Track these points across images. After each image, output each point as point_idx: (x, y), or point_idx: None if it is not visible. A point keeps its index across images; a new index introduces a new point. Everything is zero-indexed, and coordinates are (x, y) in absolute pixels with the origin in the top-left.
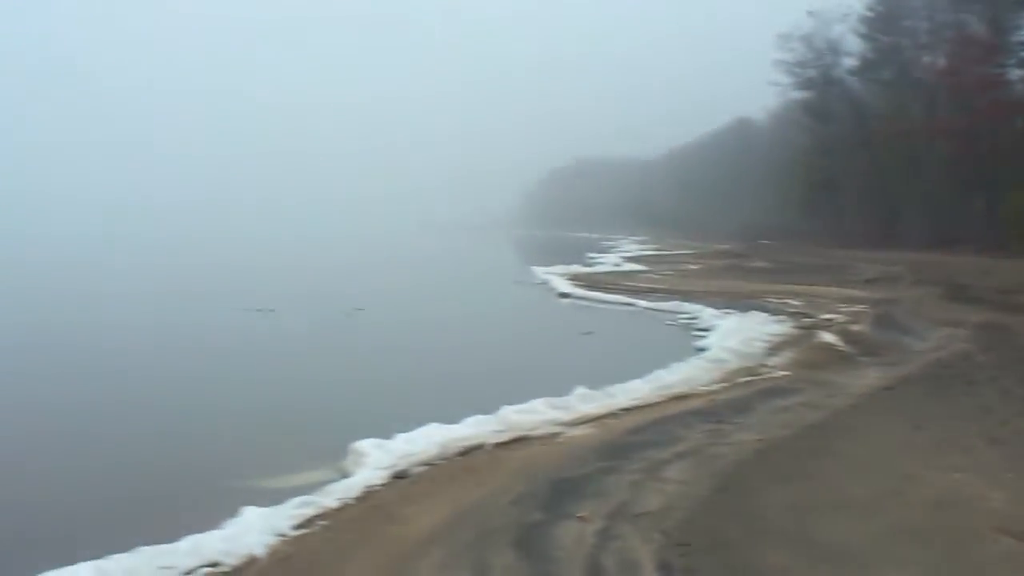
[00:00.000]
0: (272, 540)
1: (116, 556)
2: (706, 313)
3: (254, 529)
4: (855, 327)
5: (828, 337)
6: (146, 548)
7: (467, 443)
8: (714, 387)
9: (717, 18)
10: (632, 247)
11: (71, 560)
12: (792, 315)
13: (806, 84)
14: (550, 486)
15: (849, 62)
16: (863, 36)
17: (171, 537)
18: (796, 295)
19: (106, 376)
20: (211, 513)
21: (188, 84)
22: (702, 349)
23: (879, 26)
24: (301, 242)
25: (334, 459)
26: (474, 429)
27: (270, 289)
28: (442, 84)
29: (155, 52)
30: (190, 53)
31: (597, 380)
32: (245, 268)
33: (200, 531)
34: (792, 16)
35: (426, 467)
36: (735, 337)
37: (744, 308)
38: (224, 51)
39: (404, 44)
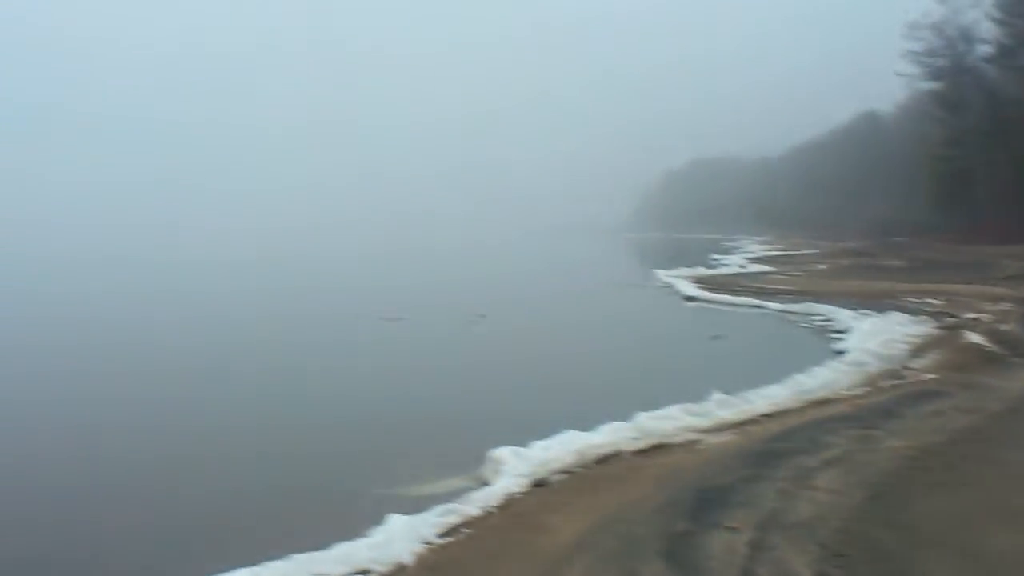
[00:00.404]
0: (419, 548)
1: (271, 563)
2: (841, 314)
3: (400, 537)
4: (1003, 326)
5: (975, 337)
6: (299, 555)
7: (604, 450)
8: (857, 391)
9: (840, 9)
10: (755, 248)
11: (227, 566)
12: (933, 315)
13: (936, 74)
14: (694, 495)
15: (983, 49)
16: (998, 21)
17: (321, 544)
18: (935, 294)
19: (250, 385)
20: (357, 520)
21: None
22: (841, 352)
23: (1016, 10)
24: (417, 252)
25: (472, 467)
26: (610, 436)
27: (394, 298)
28: (555, 87)
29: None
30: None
31: (733, 385)
32: (368, 277)
33: (348, 538)
34: (920, 4)
35: (565, 475)
36: (875, 339)
37: (881, 308)
38: (329, 66)
39: (513, 45)
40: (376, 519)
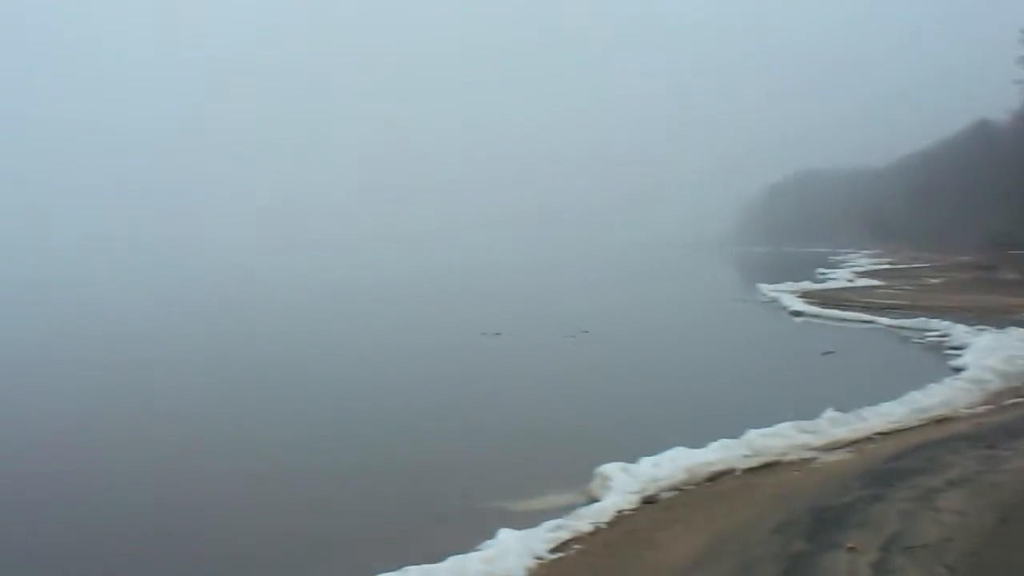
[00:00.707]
0: (530, 563)
1: (384, 575)
2: (957, 330)
3: (512, 551)
4: None
5: None
6: (412, 567)
7: (715, 468)
8: (979, 410)
9: (950, 16)
10: (863, 261)
11: None
12: None
13: None
14: (811, 514)
15: None
16: None
17: (434, 557)
18: None
19: (357, 400)
20: (469, 534)
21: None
22: (959, 369)
23: None
24: (512, 264)
25: (580, 482)
26: (721, 453)
27: (492, 312)
28: (652, 94)
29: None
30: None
31: (845, 402)
32: (463, 291)
33: (460, 551)
34: None
35: (675, 492)
36: (994, 355)
37: (999, 324)
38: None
39: (608, 51)
40: (487, 533)
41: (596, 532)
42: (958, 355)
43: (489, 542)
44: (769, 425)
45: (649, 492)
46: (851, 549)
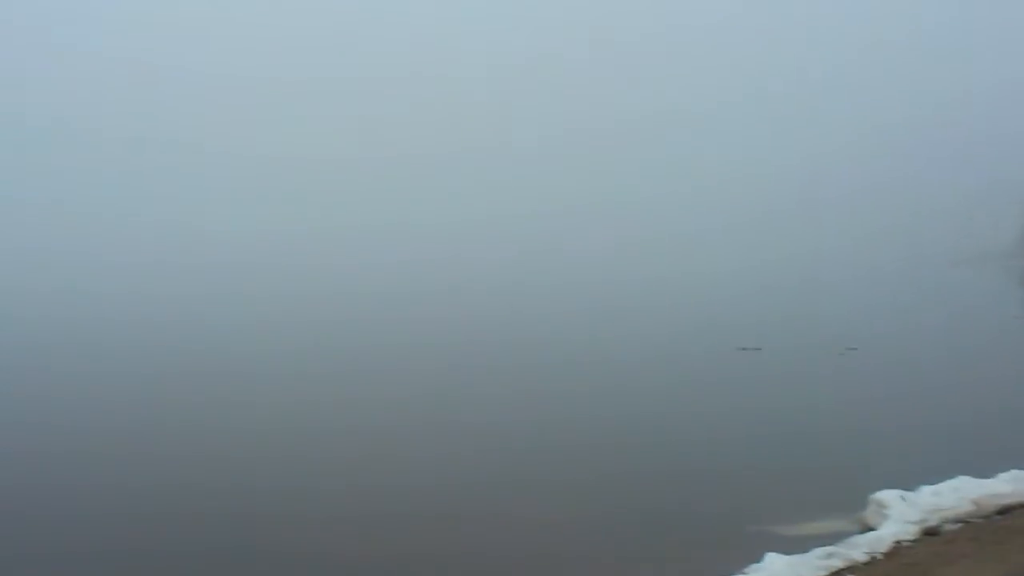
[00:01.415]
0: None
1: None
2: None
3: None
4: None
5: None
6: None
7: (1007, 500)
8: None
9: None
10: None
11: None
12: None
13: None
14: None
15: None
16: None
17: None
18: None
19: (615, 416)
20: (734, 555)
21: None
22: None
23: None
24: (757, 272)
25: (851, 509)
26: (1013, 485)
27: (746, 322)
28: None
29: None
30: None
31: None
32: (707, 296)
33: (726, 574)
34: None
35: (960, 524)
36: None
37: None
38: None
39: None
40: (753, 556)
41: (872, 563)
42: None
43: (756, 565)
44: None
45: (931, 523)
46: None
